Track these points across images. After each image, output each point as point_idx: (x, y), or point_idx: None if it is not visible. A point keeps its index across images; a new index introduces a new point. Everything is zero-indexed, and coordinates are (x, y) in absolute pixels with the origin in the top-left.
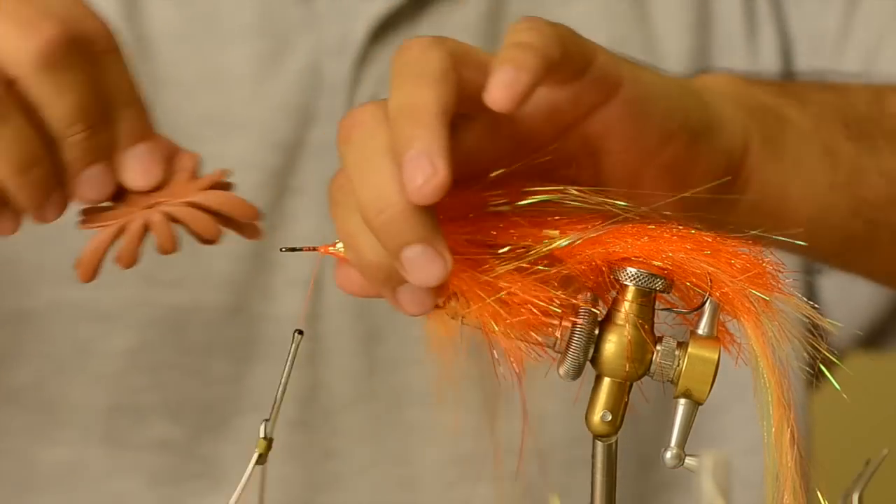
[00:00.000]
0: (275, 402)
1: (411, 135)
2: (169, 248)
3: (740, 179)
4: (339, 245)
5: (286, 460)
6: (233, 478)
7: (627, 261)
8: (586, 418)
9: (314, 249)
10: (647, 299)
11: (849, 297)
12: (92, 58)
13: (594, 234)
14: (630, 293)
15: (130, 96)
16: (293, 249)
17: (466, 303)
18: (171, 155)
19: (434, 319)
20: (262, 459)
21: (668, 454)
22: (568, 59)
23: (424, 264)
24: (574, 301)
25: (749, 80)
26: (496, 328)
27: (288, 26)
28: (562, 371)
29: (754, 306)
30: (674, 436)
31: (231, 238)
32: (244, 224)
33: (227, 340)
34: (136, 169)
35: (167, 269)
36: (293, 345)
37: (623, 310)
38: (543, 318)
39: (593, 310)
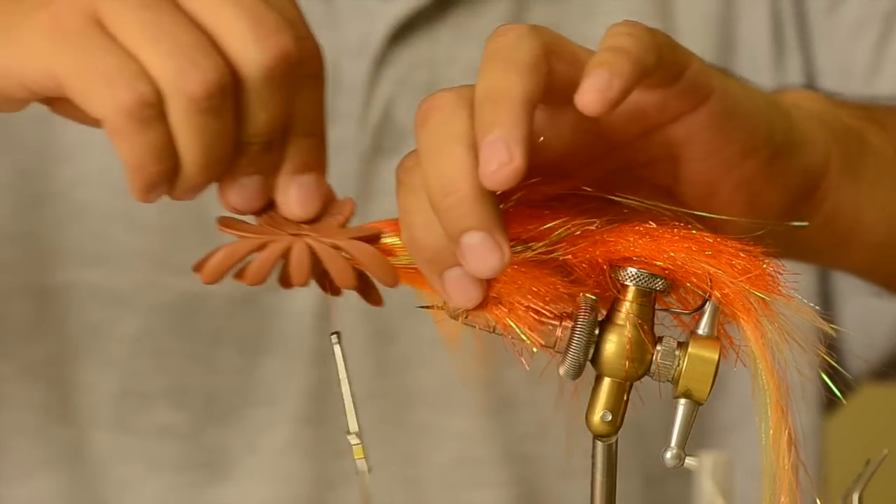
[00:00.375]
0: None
1: (493, 119)
2: (297, 282)
3: (815, 199)
4: None
5: (297, 456)
6: (238, 469)
7: (628, 260)
8: (586, 418)
9: None
10: (647, 299)
11: (868, 328)
12: (298, 78)
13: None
14: (630, 293)
15: (316, 126)
16: None
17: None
18: (329, 198)
19: (441, 319)
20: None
21: (669, 454)
22: (662, 66)
23: (482, 252)
24: (575, 291)
25: (834, 101)
26: (504, 318)
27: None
28: (562, 371)
29: (754, 308)
30: (674, 436)
31: None
32: (371, 286)
33: (235, 331)
34: (297, 197)
35: (178, 255)
36: (337, 347)
37: (623, 310)
38: (546, 308)
39: (593, 299)
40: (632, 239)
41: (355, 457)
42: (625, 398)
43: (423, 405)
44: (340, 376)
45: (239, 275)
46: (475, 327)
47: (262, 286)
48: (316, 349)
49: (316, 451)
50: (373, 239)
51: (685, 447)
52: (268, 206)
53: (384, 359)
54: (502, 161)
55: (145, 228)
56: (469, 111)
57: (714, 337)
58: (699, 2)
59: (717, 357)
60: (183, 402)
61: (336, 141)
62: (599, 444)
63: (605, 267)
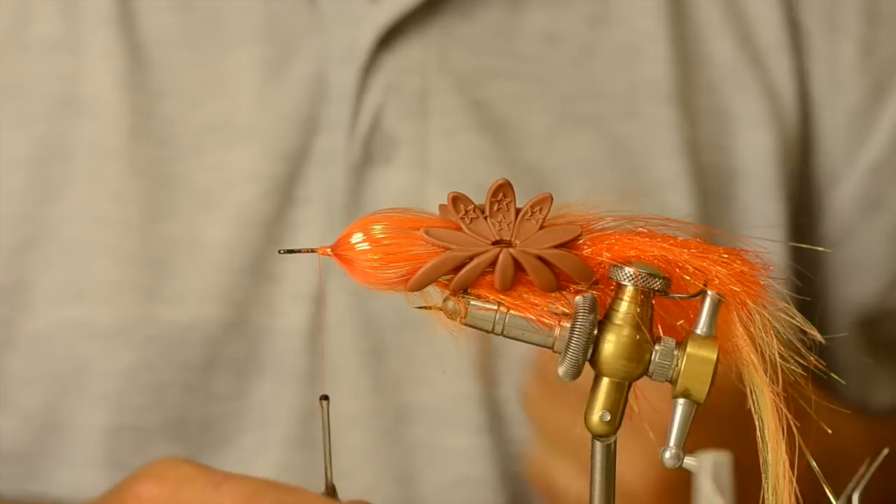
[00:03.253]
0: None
1: None
2: (500, 288)
3: None
4: (355, 237)
5: (285, 480)
6: None
7: (626, 260)
8: (585, 418)
9: (312, 251)
10: (645, 299)
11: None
12: None
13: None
14: (628, 293)
15: None
16: (291, 251)
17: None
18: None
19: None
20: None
21: (667, 454)
22: None
23: None
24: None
25: None
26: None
27: (294, 32)
28: (561, 371)
29: (746, 311)
30: (672, 435)
31: (232, 249)
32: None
33: (228, 356)
34: None
35: (167, 285)
36: (323, 412)
37: (621, 310)
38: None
39: (592, 298)
40: (628, 241)
41: None
42: (624, 398)
43: (419, 423)
44: (323, 439)
45: (442, 282)
46: (474, 327)
47: (250, 307)
48: (306, 369)
49: (308, 474)
50: (573, 241)
51: (683, 447)
52: (471, 211)
53: (379, 376)
54: None
55: (131, 260)
56: None
57: (712, 336)
58: (718, 4)
59: (715, 356)
60: (179, 434)
61: (325, 151)
62: (598, 444)
63: (601, 268)
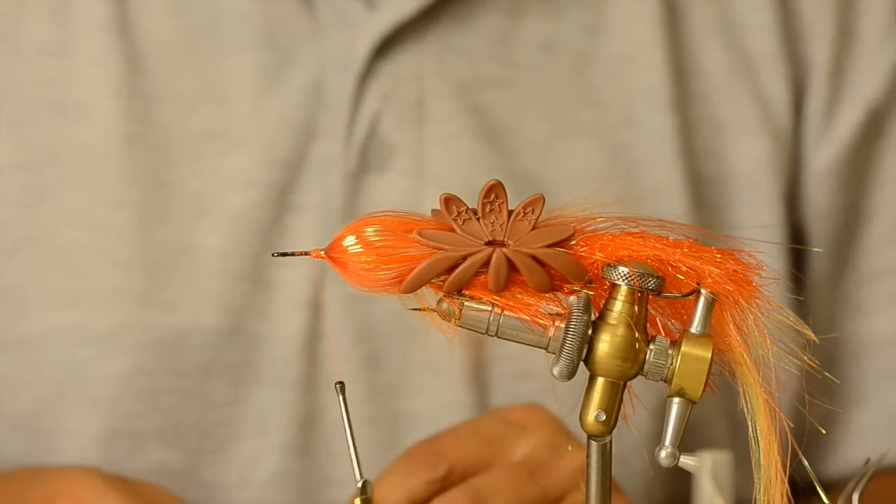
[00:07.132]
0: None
1: None
2: (494, 289)
3: None
4: (348, 240)
5: (284, 487)
6: (233, 503)
7: (619, 260)
8: (580, 418)
9: (306, 254)
10: (639, 298)
11: None
12: None
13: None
14: (622, 292)
15: None
16: (285, 254)
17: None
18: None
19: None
20: None
21: (663, 453)
22: None
23: None
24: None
25: None
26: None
27: (291, 38)
28: (556, 371)
29: (738, 310)
30: (668, 435)
31: (228, 256)
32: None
33: (224, 363)
34: None
35: (163, 291)
36: (340, 396)
37: (615, 309)
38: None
39: (587, 298)
40: (622, 241)
41: None
42: (619, 398)
43: (414, 430)
44: (345, 427)
45: (436, 284)
46: (468, 328)
47: (247, 314)
48: (303, 376)
49: (304, 481)
50: (566, 241)
51: (679, 446)
52: (464, 212)
53: (375, 384)
54: None
55: (127, 266)
56: None
57: (707, 335)
58: (710, 13)
59: (710, 355)
60: (175, 439)
61: (321, 158)
62: (594, 444)
63: (595, 268)
